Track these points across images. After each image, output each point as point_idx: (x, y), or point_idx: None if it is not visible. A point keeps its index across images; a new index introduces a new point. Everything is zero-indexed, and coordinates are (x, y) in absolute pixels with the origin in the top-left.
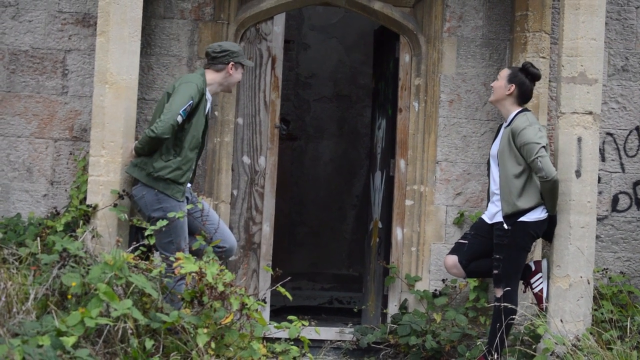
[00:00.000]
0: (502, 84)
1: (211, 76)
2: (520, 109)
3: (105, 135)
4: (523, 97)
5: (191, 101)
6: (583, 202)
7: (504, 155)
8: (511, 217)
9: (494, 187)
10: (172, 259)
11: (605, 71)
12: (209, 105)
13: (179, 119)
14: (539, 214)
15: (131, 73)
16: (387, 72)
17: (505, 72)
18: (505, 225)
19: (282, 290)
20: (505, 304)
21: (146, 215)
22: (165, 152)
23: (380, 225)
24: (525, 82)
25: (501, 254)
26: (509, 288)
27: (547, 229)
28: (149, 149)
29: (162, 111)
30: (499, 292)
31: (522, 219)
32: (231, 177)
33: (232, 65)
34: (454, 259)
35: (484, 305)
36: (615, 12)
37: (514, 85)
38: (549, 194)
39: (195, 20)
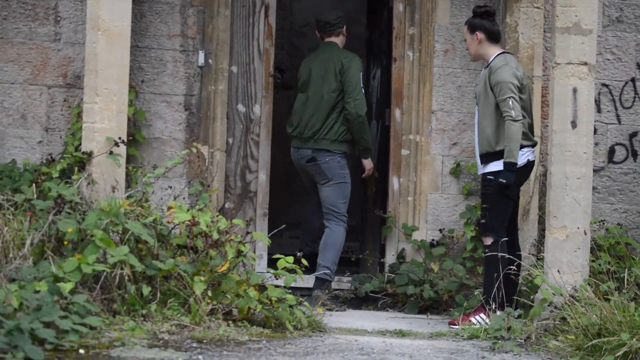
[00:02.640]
0: (468, 38)
1: (340, 42)
2: (499, 51)
3: (99, 83)
4: (492, 36)
5: (361, 72)
6: (579, 153)
7: (481, 96)
8: (488, 157)
9: (476, 132)
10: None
11: (600, 22)
12: None
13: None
14: (520, 161)
15: (123, 20)
16: (381, 22)
17: (464, 29)
18: (485, 172)
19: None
20: (496, 253)
21: (324, 178)
22: (342, 119)
23: (376, 175)
24: (484, 24)
25: (488, 203)
26: (497, 236)
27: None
28: (363, 127)
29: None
30: (488, 240)
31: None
32: (226, 125)
33: (345, 27)
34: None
35: (481, 255)
36: None
37: (477, 32)
38: (514, 136)
39: None
